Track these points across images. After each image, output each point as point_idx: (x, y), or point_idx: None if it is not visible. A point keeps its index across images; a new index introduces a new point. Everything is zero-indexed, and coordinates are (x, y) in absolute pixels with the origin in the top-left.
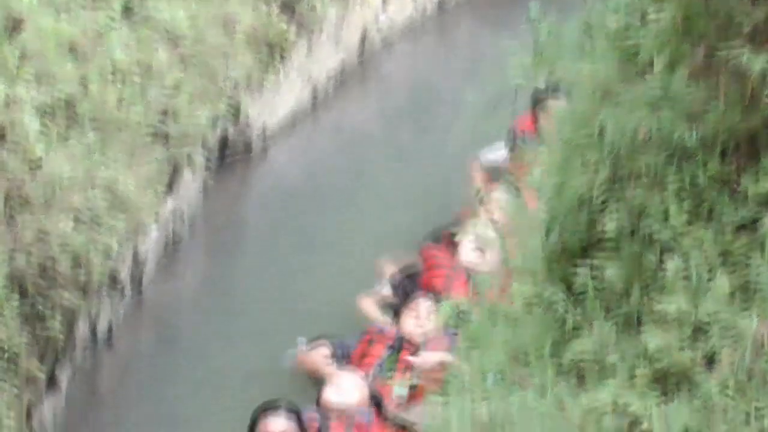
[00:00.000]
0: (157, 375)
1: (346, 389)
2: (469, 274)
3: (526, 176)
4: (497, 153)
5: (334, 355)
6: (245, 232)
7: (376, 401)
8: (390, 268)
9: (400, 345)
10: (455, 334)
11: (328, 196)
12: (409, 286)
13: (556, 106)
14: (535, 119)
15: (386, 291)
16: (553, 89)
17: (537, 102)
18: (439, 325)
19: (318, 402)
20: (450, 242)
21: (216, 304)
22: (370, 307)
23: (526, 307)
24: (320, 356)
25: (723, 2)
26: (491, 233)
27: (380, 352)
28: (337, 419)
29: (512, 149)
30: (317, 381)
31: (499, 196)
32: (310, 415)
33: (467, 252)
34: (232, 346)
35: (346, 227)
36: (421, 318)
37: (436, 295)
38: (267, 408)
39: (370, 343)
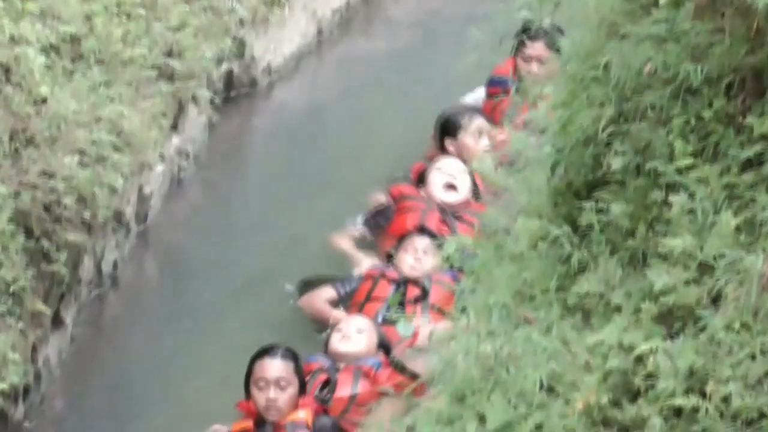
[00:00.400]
0: (163, 311)
1: (353, 336)
2: (443, 209)
3: (501, 115)
4: (477, 96)
5: (339, 299)
6: (249, 168)
7: (385, 347)
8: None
9: (405, 284)
10: (460, 270)
11: (331, 134)
12: (381, 223)
13: (535, 52)
14: (514, 65)
15: (358, 229)
16: (532, 36)
17: (517, 48)
18: (438, 263)
19: (326, 349)
20: (419, 179)
21: (220, 240)
22: (346, 244)
23: (531, 244)
24: (324, 300)
25: None
26: (460, 166)
27: (386, 292)
28: (344, 368)
29: (489, 93)
30: (322, 324)
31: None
32: (318, 362)
33: (437, 187)
34: (237, 281)
35: (348, 165)
36: (419, 256)
37: (429, 232)
38: (263, 352)
39: (374, 283)
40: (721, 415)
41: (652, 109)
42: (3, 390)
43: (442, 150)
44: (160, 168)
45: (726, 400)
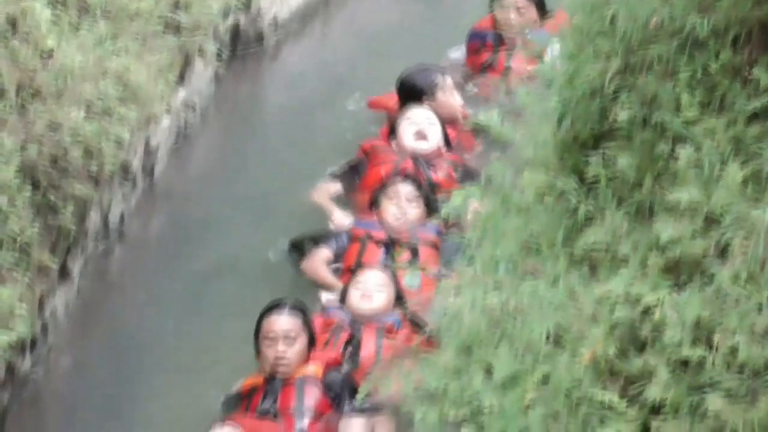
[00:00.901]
0: (170, 263)
1: (374, 294)
2: (415, 159)
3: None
4: (460, 52)
5: (334, 257)
6: (256, 121)
7: (401, 299)
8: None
9: (392, 242)
10: (445, 226)
11: (338, 87)
12: (354, 177)
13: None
14: (493, 20)
15: (333, 184)
16: None
17: (492, 2)
18: (422, 211)
19: (342, 299)
20: (389, 132)
21: (227, 193)
22: (324, 200)
23: (537, 196)
24: (323, 263)
25: None
26: (429, 115)
27: (375, 257)
28: (366, 325)
29: (469, 48)
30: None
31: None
32: (338, 317)
33: (407, 137)
34: (244, 233)
35: (356, 121)
36: (402, 205)
37: (412, 179)
38: (271, 308)
39: (362, 246)
40: (728, 366)
41: (659, 61)
42: (10, 342)
43: None
44: (166, 121)
45: (732, 351)
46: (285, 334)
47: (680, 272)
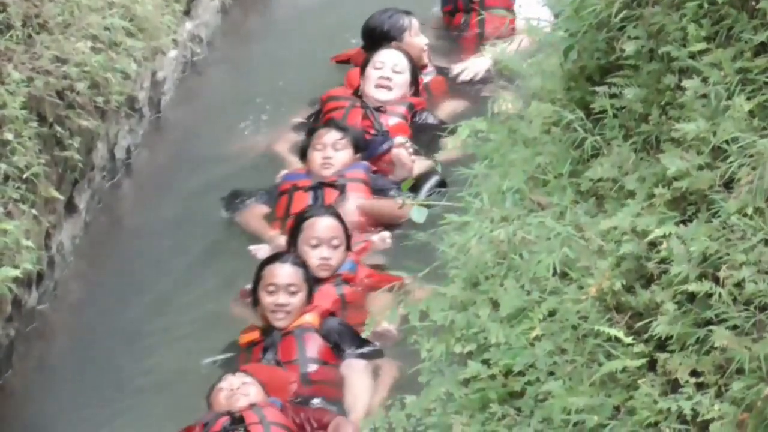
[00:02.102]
0: (178, 194)
1: (333, 155)
2: (366, 106)
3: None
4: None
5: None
6: (263, 52)
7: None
8: None
9: (321, 188)
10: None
11: (344, 21)
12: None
13: None
14: None
15: (293, 134)
16: None
17: None
18: (350, 154)
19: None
20: (356, 80)
21: (235, 122)
22: (282, 148)
23: (544, 128)
24: (258, 218)
25: None
26: (399, 61)
27: (304, 202)
28: (324, 282)
29: (444, 11)
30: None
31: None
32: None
33: (370, 84)
34: (252, 166)
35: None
36: (328, 153)
37: (338, 125)
38: (274, 258)
39: (290, 197)
40: (734, 300)
41: None
42: (17, 276)
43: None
44: (173, 53)
45: (739, 285)
46: (287, 286)
47: (687, 205)
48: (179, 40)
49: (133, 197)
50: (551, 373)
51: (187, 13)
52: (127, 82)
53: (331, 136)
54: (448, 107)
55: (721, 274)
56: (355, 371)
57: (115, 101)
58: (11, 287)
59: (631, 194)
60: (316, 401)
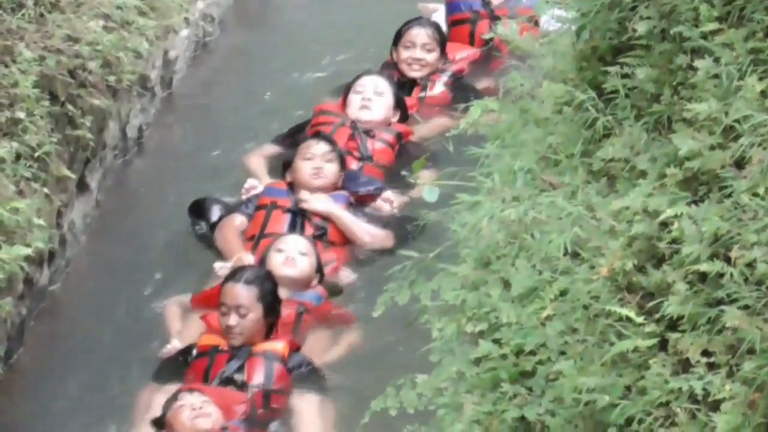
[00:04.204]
0: (191, 173)
1: (297, 258)
2: (355, 128)
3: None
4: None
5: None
6: (274, 32)
7: (320, 269)
8: None
9: (302, 216)
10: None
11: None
12: (297, 140)
13: None
14: None
15: (269, 147)
16: None
17: None
18: (336, 175)
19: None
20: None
21: (246, 104)
22: (257, 164)
23: (556, 108)
24: (235, 231)
25: None
26: (379, 85)
27: (282, 223)
28: (286, 301)
29: (453, 21)
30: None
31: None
32: None
33: (354, 110)
34: (262, 136)
35: (372, 31)
36: (317, 161)
37: (327, 138)
38: (230, 276)
39: (267, 215)
40: (746, 280)
41: None
42: (28, 255)
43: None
44: (185, 32)
45: (750, 265)
46: (237, 306)
47: (698, 185)
48: (191, 19)
49: (144, 176)
50: (562, 353)
51: None
52: (139, 61)
53: (321, 147)
54: (435, 127)
55: (733, 254)
56: (304, 403)
57: (127, 80)
58: (23, 266)
59: (643, 174)
60: (273, 426)
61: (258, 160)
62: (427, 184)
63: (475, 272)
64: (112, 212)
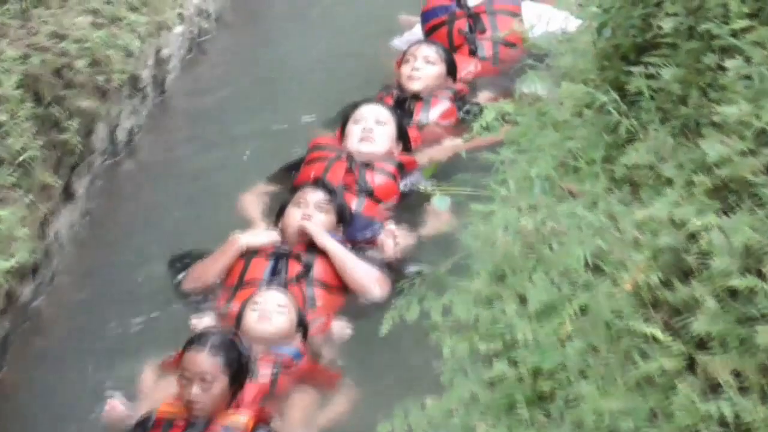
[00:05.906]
0: (184, 179)
1: (273, 315)
2: (352, 160)
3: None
4: (406, 39)
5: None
6: (273, 30)
7: (303, 324)
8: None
9: (286, 258)
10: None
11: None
12: (292, 175)
13: None
14: None
15: (262, 187)
16: None
17: None
18: (330, 220)
19: (236, 325)
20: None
21: (242, 106)
22: (250, 205)
23: (575, 110)
24: (254, 203)
25: None
26: (380, 114)
27: (261, 270)
28: (263, 356)
29: (430, 27)
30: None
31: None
32: None
33: (354, 142)
34: (259, 148)
35: (369, 14)
36: (309, 209)
37: (326, 186)
38: (192, 341)
39: (246, 262)
40: None
41: None
42: (10, 268)
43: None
44: (179, 29)
45: None
46: (201, 375)
47: (728, 194)
48: (185, 15)
49: (135, 182)
50: (583, 374)
51: None
52: (130, 59)
53: (316, 195)
54: (446, 149)
55: (766, 268)
56: None
57: (117, 80)
58: (5, 279)
59: (669, 182)
60: None
61: (251, 201)
62: (437, 193)
63: (488, 287)
64: (100, 221)
